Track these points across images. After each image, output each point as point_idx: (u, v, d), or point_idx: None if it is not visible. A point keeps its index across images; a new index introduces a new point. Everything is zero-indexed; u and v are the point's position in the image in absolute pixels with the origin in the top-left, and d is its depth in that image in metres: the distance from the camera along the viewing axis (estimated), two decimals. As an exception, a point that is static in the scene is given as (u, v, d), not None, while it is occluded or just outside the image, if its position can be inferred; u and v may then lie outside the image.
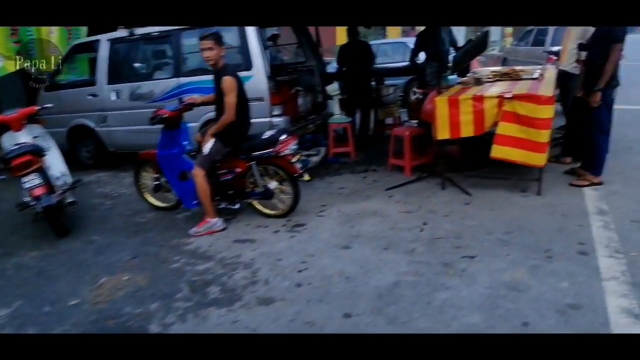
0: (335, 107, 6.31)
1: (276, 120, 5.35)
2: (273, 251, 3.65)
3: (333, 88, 6.20)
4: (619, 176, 4.65)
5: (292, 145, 4.13)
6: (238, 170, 4.26)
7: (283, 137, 4.09)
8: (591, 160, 4.48)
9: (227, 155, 4.18)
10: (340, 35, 19.05)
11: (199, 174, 4.07)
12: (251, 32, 5.25)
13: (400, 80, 8.38)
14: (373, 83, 7.30)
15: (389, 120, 7.23)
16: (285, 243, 3.78)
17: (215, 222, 4.14)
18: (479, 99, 4.25)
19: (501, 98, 4.15)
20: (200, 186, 4.08)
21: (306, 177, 4.17)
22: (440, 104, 4.39)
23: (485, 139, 4.37)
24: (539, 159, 4.12)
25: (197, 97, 4.44)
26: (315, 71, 6.69)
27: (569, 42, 5.15)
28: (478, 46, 5.30)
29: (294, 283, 3.15)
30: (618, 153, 5.37)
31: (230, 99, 3.84)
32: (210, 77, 4.21)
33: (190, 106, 4.37)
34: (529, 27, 13.79)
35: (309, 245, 3.69)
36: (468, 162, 5.11)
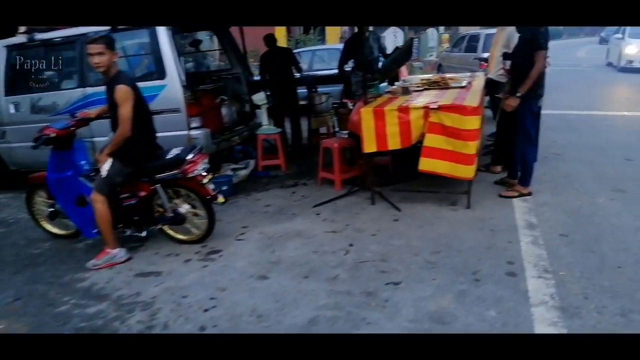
0: (263, 117, 5.95)
1: (194, 133, 4.91)
2: (180, 286, 3.22)
3: (260, 97, 5.82)
4: (548, 185, 4.59)
5: (202, 165, 3.72)
6: (142, 194, 3.80)
7: (190, 156, 3.68)
8: (517, 170, 4.43)
9: (129, 176, 3.70)
10: (280, 42, 18.75)
11: (97, 199, 3.57)
12: (164, 37, 4.78)
13: (335, 88, 8.13)
14: (305, 91, 7.03)
15: (323, 130, 6.96)
16: (196, 275, 3.36)
17: (117, 253, 3.65)
18: (404, 110, 4.03)
19: (427, 109, 3.94)
20: (100, 213, 3.58)
21: (220, 199, 3.77)
22: (365, 116, 4.13)
23: (418, 149, 4.15)
24: (467, 171, 3.95)
25: (91, 111, 3.93)
26: (241, 79, 6.30)
27: (496, 50, 5.08)
28: (404, 54, 5.12)
29: (197, 326, 2.74)
30: (547, 160, 5.36)
31: (124, 111, 3.38)
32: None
33: (85, 121, 3.85)
34: (463, 33, 14.07)
35: (222, 277, 3.29)
36: (400, 174, 4.91)
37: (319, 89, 7.07)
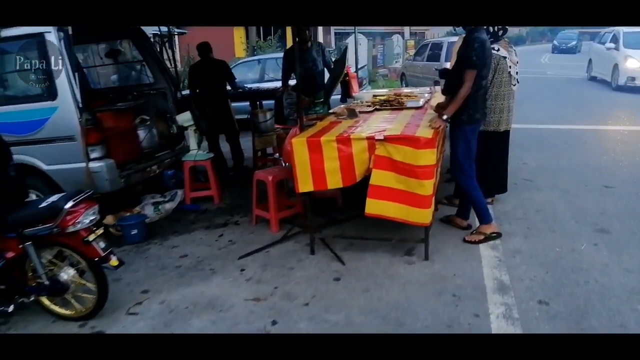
0: (191, 140, 5.06)
1: (94, 165, 3.99)
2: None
3: (185, 118, 4.92)
4: (520, 224, 3.88)
5: (87, 216, 2.83)
6: (9, 255, 2.89)
7: (69, 204, 2.78)
8: (468, 208, 3.79)
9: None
10: (238, 48, 17.83)
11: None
12: (54, 47, 3.87)
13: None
14: (248, 104, 6.22)
15: (270, 150, 6.12)
16: (55, 378, 2.45)
17: (-43, 342, 2.70)
18: (344, 140, 3.23)
19: (371, 140, 3.16)
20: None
21: (113, 261, 2.88)
22: (297, 147, 3.31)
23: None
24: (422, 215, 3.18)
25: None
26: (167, 95, 5.39)
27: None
28: (339, 66, 4.32)
29: None
30: (517, 189, 4.68)
31: None
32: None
33: None
34: (426, 41, 13.51)
35: (90, 382, 2.39)
36: (350, 208, 4.14)
37: (264, 104, 6.25)
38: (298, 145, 3.31)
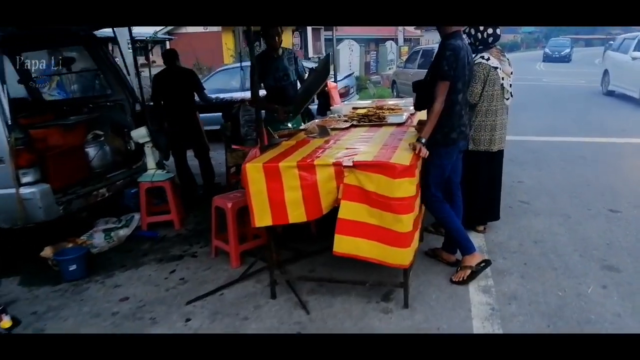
0: (149, 159, 4.53)
1: (26, 191, 3.46)
2: None
3: (140, 134, 4.38)
4: (516, 259, 3.37)
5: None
6: None
7: None
8: (451, 242, 3.31)
9: None
10: (226, 54, 17.35)
11: None
12: (-21, 56, 3.35)
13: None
14: (220, 115, 5.71)
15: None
16: None
17: None
18: (307, 167, 2.71)
19: (339, 166, 2.64)
20: None
21: (5, 322, 2.37)
22: (252, 174, 2.79)
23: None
24: (401, 256, 2.66)
25: None
26: (126, 107, 4.86)
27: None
28: (319, 76, 3.82)
29: None
30: (512, 214, 4.17)
31: None
32: None
33: None
34: (417, 47, 13.08)
35: None
36: (326, 237, 3.61)
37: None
38: (253, 171, 2.78)
